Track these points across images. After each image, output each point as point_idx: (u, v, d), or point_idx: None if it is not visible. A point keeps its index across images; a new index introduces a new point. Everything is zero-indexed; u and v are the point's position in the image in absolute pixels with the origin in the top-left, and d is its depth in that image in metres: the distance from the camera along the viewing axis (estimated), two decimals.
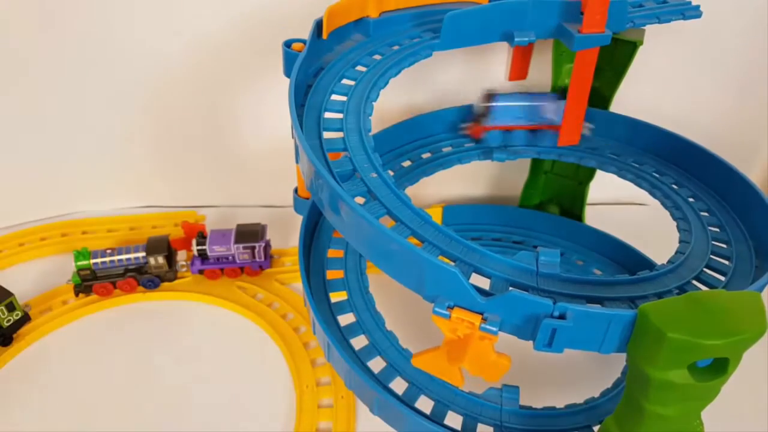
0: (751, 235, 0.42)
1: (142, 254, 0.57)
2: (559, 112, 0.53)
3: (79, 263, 0.56)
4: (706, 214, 0.45)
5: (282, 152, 0.65)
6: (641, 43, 0.51)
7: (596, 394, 0.42)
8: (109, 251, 0.57)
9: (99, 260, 0.56)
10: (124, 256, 0.57)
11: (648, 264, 0.54)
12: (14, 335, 0.53)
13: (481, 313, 0.30)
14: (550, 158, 0.56)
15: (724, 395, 0.30)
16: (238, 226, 0.60)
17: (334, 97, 0.42)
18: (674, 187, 0.48)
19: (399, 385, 0.40)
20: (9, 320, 0.53)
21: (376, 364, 0.42)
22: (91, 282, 0.56)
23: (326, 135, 0.39)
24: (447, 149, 0.56)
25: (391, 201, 0.35)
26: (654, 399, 0.29)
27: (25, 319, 0.54)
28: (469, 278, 0.31)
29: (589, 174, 0.60)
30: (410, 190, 0.51)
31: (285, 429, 0.47)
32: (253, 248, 0.58)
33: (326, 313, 0.45)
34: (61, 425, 0.47)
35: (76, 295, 0.57)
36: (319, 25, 0.45)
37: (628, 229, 0.60)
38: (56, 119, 0.62)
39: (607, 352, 0.30)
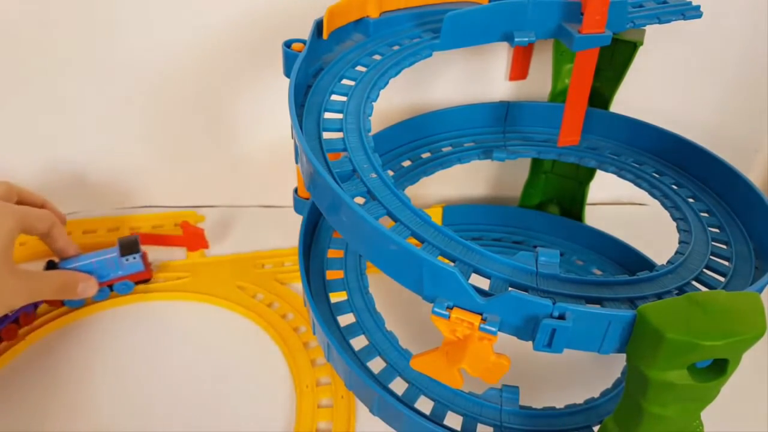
0: (751, 236, 0.42)
1: None
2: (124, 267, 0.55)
3: None
4: (706, 214, 0.45)
5: (282, 152, 0.65)
6: (641, 43, 0.51)
7: (596, 395, 0.42)
8: None
9: None
10: None
11: (648, 264, 0.54)
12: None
13: (481, 314, 0.30)
14: (550, 158, 0.56)
15: (724, 395, 0.30)
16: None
17: (333, 97, 0.42)
18: (674, 187, 0.48)
19: (399, 386, 0.41)
20: None
21: (376, 365, 0.42)
22: None
23: (326, 135, 0.39)
24: (447, 149, 0.56)
25: (390, 201, 0.35)
26: (653, 400, 0.29)
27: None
28: (468, 278, 0.31)
29: (589, 174, 0.60)
30: (410, 190, 0.51)
31: (285, 429, 0.47)
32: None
33: (326, 313, 0.45)
34: (60, 426, 0.47)
35: None
36: (319, 25, 0.45)
37: (628, 229, 0.60)
38: (56, 119, 0.62)
39: (607, 353, 0.30)
